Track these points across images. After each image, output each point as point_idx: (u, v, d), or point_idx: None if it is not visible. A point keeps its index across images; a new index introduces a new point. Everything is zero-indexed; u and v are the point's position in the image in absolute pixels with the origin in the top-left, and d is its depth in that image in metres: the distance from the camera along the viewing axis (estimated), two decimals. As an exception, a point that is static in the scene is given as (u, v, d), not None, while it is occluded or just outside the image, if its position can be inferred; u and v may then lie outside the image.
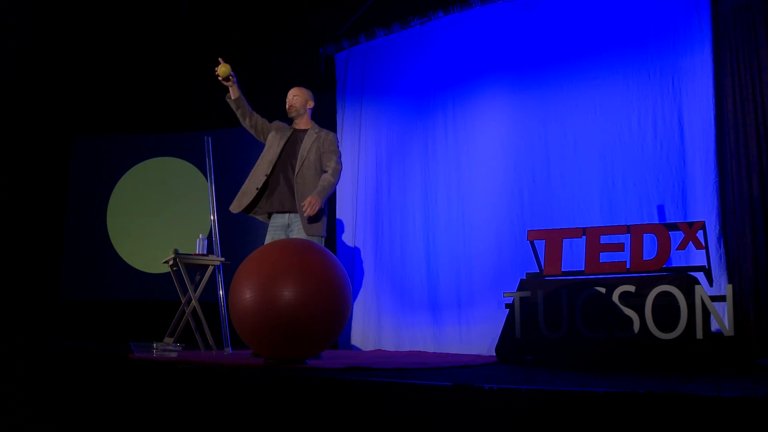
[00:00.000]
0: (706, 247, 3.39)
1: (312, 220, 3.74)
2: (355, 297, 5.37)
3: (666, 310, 3.15)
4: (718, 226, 3.90)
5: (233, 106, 3.95)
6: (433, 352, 4.72)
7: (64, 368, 2.68)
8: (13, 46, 6.24)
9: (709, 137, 4.00)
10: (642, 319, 3.20)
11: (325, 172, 3.84)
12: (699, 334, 3.05)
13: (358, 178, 5.58)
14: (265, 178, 3.86)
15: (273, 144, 3.92)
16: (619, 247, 3.53)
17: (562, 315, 3.41)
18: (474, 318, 4.70)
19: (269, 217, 3.94)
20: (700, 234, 3.36)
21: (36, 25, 6.21)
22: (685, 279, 3.19)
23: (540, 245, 3.74)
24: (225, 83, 3.85)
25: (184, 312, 4.33)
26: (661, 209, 4.12)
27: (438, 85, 5.25)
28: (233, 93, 3.89)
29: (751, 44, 4.18)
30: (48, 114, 6.99)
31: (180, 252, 4.26)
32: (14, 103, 6.67)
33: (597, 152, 4.40)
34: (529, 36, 4.81)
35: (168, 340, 4.23)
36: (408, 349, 4.97)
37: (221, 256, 4.37)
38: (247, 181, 3.92)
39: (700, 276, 3.45)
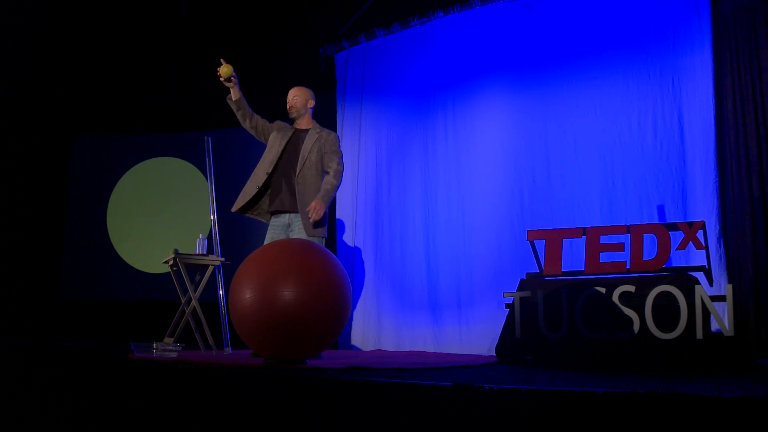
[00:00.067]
0: (706, 247, 3.39)
1: (317, 225, 3.74)
2: (355, 297, 5.37)
3: (666, 310, 3.15)
4: (718, 226, 3.90)
5: (234, 107, 3.94)
6: (433, 352, 4.72)
7: (64, 368, 2.68)
8: (13, 46, 6.24)
9: (709, 137, 4.00)
10: (642, 319, 3.20)
11: (327, 173, 3.84)
12: (699, 334, 3.05)
13: (358, 178, 5.58)
14: (266, 176, 3.85)
15: (274, 144, 3.92)
16: (619, 247, 3.53)
17: (562, 315, 3.41)
18: (474, 318, 4.70)
19: (270, 217, 3.94)
20: (700, 234, 3.36)
21: (36, 25, 6.21)
22: (685, 279, 3.19)
23: (540, 245, 3.74)
24: (226, 84, 3.84)
25: (184, 312, 4.33)
26: (661, 209, 4.12)
27: (438, 85, 5.25)
28: (234, 94, 3.88)
29: (751, 44, 4.18)
30: (48, 114, 6.99)
31: (180, 252, 4.26)
32: (14, 103, 6.67)
33: (597, 152, 4.40)
34: (529, 36, 4.81)
35: (168, 340, 4.23)
36: (408, 349, 4.97)
37: (221, 256, 4.37)
38: (248, 181, 3.92)
39: (700, 276, 3.45)
